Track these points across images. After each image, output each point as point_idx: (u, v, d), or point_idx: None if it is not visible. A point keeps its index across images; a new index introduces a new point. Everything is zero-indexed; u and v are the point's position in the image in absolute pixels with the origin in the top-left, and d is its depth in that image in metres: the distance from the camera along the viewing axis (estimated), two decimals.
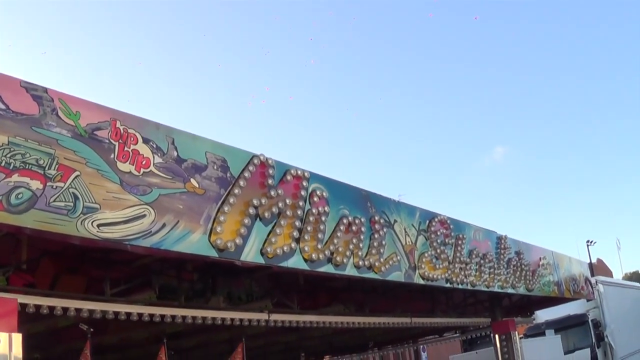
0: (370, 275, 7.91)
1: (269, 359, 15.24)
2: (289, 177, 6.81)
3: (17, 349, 4.96)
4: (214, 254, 5.81)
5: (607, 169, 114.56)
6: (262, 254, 6.32)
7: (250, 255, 6.19)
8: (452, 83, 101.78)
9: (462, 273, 10.12)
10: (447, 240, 9.88)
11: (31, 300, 5.78)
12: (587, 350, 20.08)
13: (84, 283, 7.08)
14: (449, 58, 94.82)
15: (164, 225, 5.32)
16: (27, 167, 4.47)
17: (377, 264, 7.96)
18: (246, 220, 6.13)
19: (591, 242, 47.95)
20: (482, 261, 10.89)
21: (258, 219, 6.32)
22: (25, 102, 4.58)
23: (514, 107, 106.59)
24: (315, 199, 7.08)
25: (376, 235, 8.01)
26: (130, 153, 5.19)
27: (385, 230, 8.24)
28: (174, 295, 7.64)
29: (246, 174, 6.26)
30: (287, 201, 6.67)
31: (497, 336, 14.37)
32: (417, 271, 8.91)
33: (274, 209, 6.49)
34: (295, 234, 6.74)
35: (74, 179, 4.73)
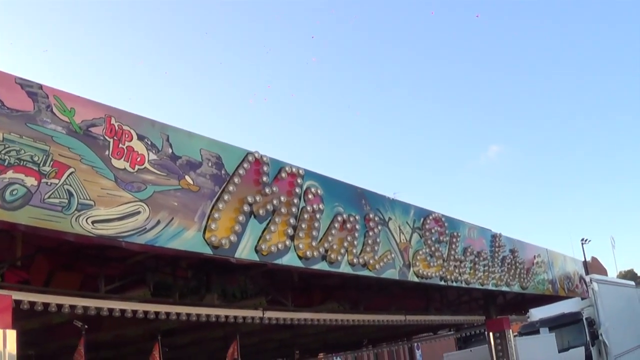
0: (365, 272, 7.95)
1: (263, 357, 15.29)
2: (283, 175, 6.83)
3: (12, 346, 4.98)
4: (208, 251, 5.83)
5: (601, 167, 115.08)
6: (256, 251, 6.36)
7: (245, 252, 6.22)
8: (447, 81, 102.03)
9: (457, 271, 10.17)
10: (441, 238, 9.92)
11: (26, 296, 5.79)
12: (582, 349, 20.12)
13: (79, 280, 7.08)
14: (444, 57, 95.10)
15: (158, 222, 5.35)
16: (21, 164, 4.49)
17: (371, 261, 8.00)
18: (241, 218, 6.16)
19: (586, 240, 47.94)
20: (476, 259, 10.93)
21: (252, 216, 6.35)
22: (20, 99, 4.60)
23: (508, 106, 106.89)
24: (310, 196, 7.12)
25: (371, 233, 8.05)
26: (125, 150, 5.21)
27: (379, 227, 8.27)
28: (168, 292, 7.66)
29: (241, 171, 6.28)
30: (282, 198, 6.70)
31: (491, 334, 14.38)
32: (411, 269, 8.95)
33: (269, 206, 6.52)
34: (290, 231, 6.77)
35: (68, 176, 4.75)
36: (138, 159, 5.30)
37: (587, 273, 20.81)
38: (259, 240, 6.38)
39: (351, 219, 7.70)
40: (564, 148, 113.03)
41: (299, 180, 7.02)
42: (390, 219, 8.69)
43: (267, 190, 6.51)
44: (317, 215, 7.16)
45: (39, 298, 5.94)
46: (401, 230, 8.92)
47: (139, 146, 5.34)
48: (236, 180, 6.20)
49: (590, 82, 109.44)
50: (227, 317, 7.78)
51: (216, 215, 5.89)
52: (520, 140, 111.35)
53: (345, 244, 7.55)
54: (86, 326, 7.09)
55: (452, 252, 10.15)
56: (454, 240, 10.29)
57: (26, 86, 4.67)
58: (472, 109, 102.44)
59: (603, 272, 44.83)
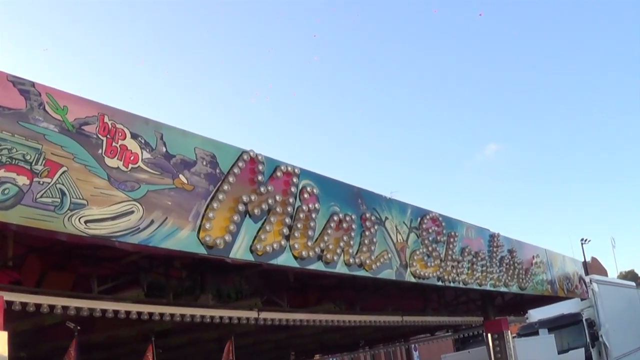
0: (361, 273, 7.97)
1: (258, 358, 15.30)
2: (279, 174, 6.85)
3: (3, 347, 4.99)
4: (202, 251, 5.85)
5: (601, 166, 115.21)
6: (251, 251, 6.37)
7: (240, 252, 6.24)
8: (445, 79, 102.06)
9: (454, 271, 10.20)
10: (438, 238, 9.95)
11: (17, 297, 5.79)
12: (582, 350, 20.19)
13: (71, 280, 7.09)
14: (443, 55, 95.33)
15: (152, 222, 5.36)
16: (13, 163, 4.50)
17: (368, 261, 8.02)
18: (235, 217, 6.18)
19: (585, 240, 48.04)
20: (474, 259, 10.97)
21: (247, 215, 6.36)
22: (12, 97, 4.60)
23: (507, 105, 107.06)
24: (306, 195, 7.14)
25: (367, 233, 8.07)
26: (119, 148, 5.22)
27: (376, 227, 8.30)
28: (162, 292, 7.67)
29: (235, 170, 6.30)
30: (277, 198, 6.72)
31: (489, 335, 14.40)
32: (408, 269, 8.98)
33: (264, 206, 6.54)
34: (285, 231, 6.79)
35: (61, 175, 4.76)
36: (132, 158, 5.31)
37: (586, 273, 20.88)
38: (254, 240, 6.39)
39: (347, 218, 7.73)
40: (563, 147, 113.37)
41: (295, 180, 7.04)
42: (387, 218, 8.71)
43: (262, 189, 6.53)
44: (313, 215, 7.18)
45: (31, 299, 5.94)
46: (398, 230, 8.95)
47: (132, 145, 5.35)
48: (231, 179, 6.21)
49: (590, 80, 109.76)
50: (221, 317, 7.80)
51: (211, 214, 5.91)
52: (519, 138, 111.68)
53: (342, 244, 7.57)
54: (79, 327, 7.09)
55: (450, 252, 10.18)
56: (452, 240, 10.32)
57: (18, 84, 4.67)
58: (469, 107, 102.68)
59: (603, 272, 44.97)
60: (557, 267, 15.17)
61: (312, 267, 7.19)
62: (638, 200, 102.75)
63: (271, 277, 8.85)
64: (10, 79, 4.64)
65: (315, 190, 7.29)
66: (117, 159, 5.19)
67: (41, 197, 4.61)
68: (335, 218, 7.55)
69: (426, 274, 9.35)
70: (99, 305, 6.59)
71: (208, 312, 7.65)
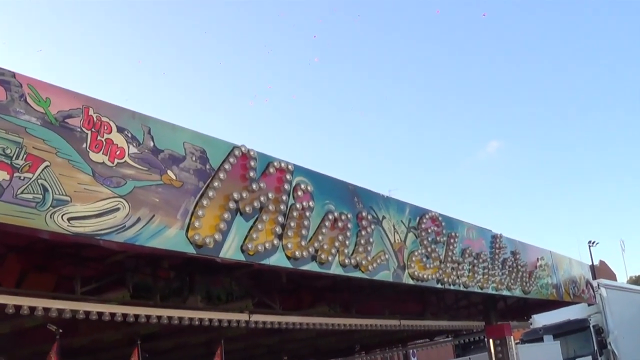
0: (357, 274, 8.01)
1: None
2: (271, 170, 6.88)
3: None
4: (191, 250, 5.87)
5: (610, 165, 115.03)
6: (242, 250, 6.40)
7: (230, 251, 6.26)
8: (445, 77, 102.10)
9: (454, 273, 10.24)
10: (438, 239, 9.99)
11: None
12: (589, 358, 20.25)
13: (53, 281, 7.12)
14: (445, 52, 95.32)
15: (138, 220, 5.37)
16: None
17: (364, 262, 8.06)
18: (226, 215, 6.20)
19: (593, 242, 48.23)
20: (475, 261, 11.01)
21: (239, 213, 6.39)
22: None
23: (509, 100, 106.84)
24: (300, 193, 7.17)
25: (363, 232, 8.11)
26: (104, 142, 5.23)
27: (373, 227, 8.33)
28: (148, 294, 7.69)
29: (226, 166, 6.32)
30: (270, 195, 6.75)
31: (491, 341, 14.44)
32: (406, 270, 9.02)
33: (256, 203, 6.56)
34: (278, 229, 6.82)
35: (43, 170, 4.76)
36: (117, 153, 5.32)
37: (594, 278, 21.00)
38: (245, 239, 6.42)
39: (343, 217, 7.76)
40: (568, 144, 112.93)
41: (288, 176, 7.07)
42: (384, 217, 8.75)
43: (254, 186, 6.55)
44: (307, 213, 7.21)
45: (10, 300, 5.96)
46: (396, 229, 8.99)
47: (118, 139, 5.36)
48: (221, 175, 6.24)
49: (596, 76, 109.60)
50: (211, 320, 7.82)
51: (200, 212, 5.93)
52: (522, 135, 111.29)
53: (337, 244, 7.60)
54: (61, 330, 7.11)
55: (450, 254, 10.23)
56: (452, 240, 10.37)
57: None
58: (470, 103, 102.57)
59: (612, 277, 45.13)
60: (562, 270, 15.23)
61: (306, 267, 7.22)
62: None
63: (263, 278, 8.88)
64: None
65: (309, 188, 7.32)
66: (102, 153, 5.20)
67: (22, 193, 4.61)
68: (330, 217, 7.58)
69: (425, 276, 9.39)
70: (82, 307, 6.59)
71: (197, 315, 7.68)
